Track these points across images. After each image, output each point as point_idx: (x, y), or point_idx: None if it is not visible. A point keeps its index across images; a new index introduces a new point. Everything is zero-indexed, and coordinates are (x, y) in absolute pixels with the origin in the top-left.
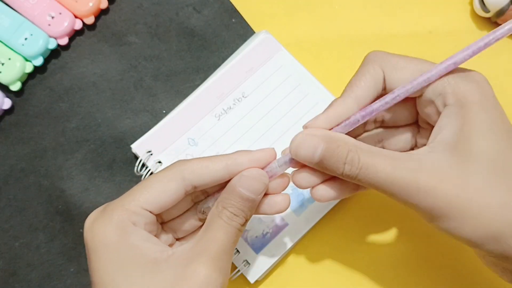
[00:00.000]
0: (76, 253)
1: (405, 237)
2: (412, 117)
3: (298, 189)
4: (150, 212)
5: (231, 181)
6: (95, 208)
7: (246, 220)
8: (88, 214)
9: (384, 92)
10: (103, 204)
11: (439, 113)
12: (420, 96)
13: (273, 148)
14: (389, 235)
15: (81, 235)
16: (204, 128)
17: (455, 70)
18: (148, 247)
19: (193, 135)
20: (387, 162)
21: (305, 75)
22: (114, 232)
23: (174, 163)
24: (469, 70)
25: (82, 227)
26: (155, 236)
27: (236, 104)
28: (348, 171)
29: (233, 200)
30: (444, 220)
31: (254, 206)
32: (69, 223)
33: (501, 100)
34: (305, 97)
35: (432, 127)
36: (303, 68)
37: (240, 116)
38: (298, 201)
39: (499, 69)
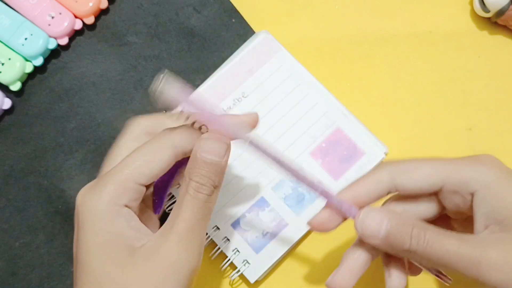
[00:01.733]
0: None
1: None
2: (437, 210)
3: (298, 188)
4: (142, 184)
5: (193, 148)
6: None
7: (215, 188)
8: None
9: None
10: None
11: (467, 200)
12: (440, 191)
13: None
14: None
15: None
16: None
17: (461, 160)
18: (128, 233)
19: None
20: (453, 238)
21: (305, 75)
22: (103, 212)
23: (162, 131)
24: (475, 156)
25: None
26: (141, 210)
27: (236, 104)
28: (415, 245)
29: (198, 167)
30: None
31: (221, 171)
32: (69, 223)
33: (501, 100)
34: (305, 97)
35: (463, 214)
36: (303, 68)
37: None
38: (298, 201)
39: (499, 69)
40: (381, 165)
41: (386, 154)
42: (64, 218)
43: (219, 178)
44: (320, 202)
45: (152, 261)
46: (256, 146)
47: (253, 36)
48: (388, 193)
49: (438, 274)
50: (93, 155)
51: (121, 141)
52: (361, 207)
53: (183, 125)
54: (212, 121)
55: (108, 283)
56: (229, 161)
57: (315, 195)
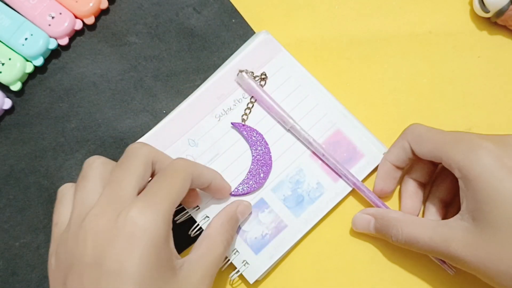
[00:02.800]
0: None
1: None
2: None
3: (297, 190)
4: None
5: (233, 208)
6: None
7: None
8: None
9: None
10: None
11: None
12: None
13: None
14: None
15: None
16: (204, 129)
17: (460, 141)
18: (172, 252)
19: (193, 136)
20: (425, 233)
21: (306, 76)
22: (163, 227)
23: (181, 163)
24: (475, 140)
25: None
26: None
27: (236, 105)
28: (395, 241)
29: (235, 225)
30: (481, 277)
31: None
32: None
33: (501, 100)
34: (305, 99)
35: None
36: (303, 69)
37: (240, 117)
38: (297, 202)
39: (499, 69)
40: (404, 132)
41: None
42: None
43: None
44: (319, 204)
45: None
46: (295, 132)
47: (253, 36)
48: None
49: (442, 262)
50: (93, 155)
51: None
52: (400, 168)
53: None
54: (261, 99)
55: None
56: (229, 161)
57: (314, 197)
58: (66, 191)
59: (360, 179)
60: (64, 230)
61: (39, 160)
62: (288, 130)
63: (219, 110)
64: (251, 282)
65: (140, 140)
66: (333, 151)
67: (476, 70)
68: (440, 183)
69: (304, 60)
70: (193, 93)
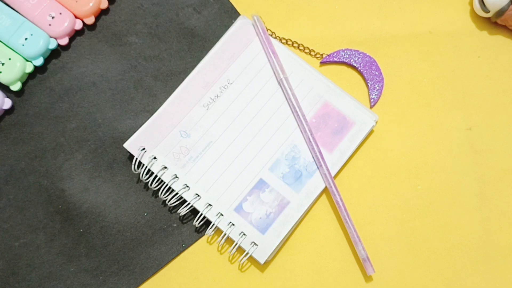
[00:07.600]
0: (76, 253)
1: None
2: None
3: (295, 166)
4: None
5: None
6: (95, 208)
7: None
8: (88, 214)
9: None
10: (103, 204)
11: None
12: None
13: None
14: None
15: (81, 235)
16: (194, 119)
17: None
18: None
19: (185, 127)
20: None
21: (287, 55)
22: None
23: None
24: None
25: (82, 227)
26: None
27: (222, 91)
28: None
29: None
30: None
31: None
32: (69, 223)
33: (501, 100)
34: (289, 76)
35: None
36: (285, 48)
37: (228, 103)
38: (296, 178)
39: (499, 69)
40: None
41: (376, 122)
42: (64, 218)
43: None
44: (318, 176)
45: None
46: (286, 85)
47: (233, 23)
48: None
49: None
50: (93, 155)
51: None
52: None
53: None
54: (269, 43)
55: None
56: (224, 147)
57: (311, 170)
58: None
59: (355, 146)
60: None
61: (39, 160)
62: (279, 82)
63: (207, 99)
64: (262, 262)
65: (132, 136)
66: (324, 124)
67: (476, 70)
68: None
69: (304, 60)
70: (179, 86)
